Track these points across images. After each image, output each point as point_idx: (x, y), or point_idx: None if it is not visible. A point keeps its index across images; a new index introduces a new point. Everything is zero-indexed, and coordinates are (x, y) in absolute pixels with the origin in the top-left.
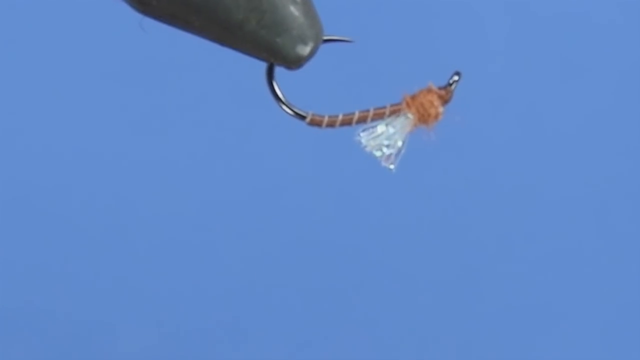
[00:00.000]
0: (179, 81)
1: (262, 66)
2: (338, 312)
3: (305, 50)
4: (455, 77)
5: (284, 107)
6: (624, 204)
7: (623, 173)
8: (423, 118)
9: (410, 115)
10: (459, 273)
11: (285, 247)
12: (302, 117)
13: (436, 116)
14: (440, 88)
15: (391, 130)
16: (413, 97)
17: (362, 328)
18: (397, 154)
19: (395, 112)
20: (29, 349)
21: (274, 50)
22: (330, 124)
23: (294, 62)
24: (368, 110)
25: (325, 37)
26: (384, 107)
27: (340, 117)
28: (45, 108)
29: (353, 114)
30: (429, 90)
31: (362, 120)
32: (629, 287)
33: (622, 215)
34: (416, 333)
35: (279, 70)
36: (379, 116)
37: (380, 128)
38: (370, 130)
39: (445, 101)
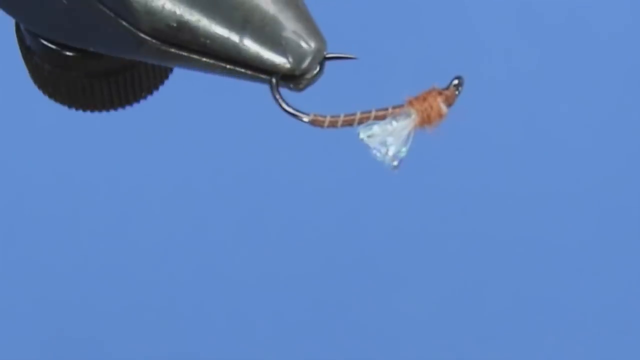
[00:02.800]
0: (181, 81)
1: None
2: (338, 315)
3: (304, 64)
4: (456, 82)
5: (285, 106)
6: (627, 208)
7: (626, 176)
8: (426, 119)
9: (413, 116)
10: (461, 275)
11: (285, 250)
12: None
13: (439, 116)
14: (443, 89)
15: (394, 129)
16: (416, 98)
17: (364, 330)
18: (399, 153)
19: (397, 113)
20: None
21: (275, 66)
22: (332, 124)
23: (297, 80)
24: (370, 111)
25: (328, 55)
26: (386, 108)
27: (342, 117)
28: (41, 108)
29: (355, 114)
30: (432, 91)
31: (364, 120)
32: (631, 290)
33: (625, 219)
34: (415, 336)
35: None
36: (381, 117)
37: (383, 126)
38: (374, 128)
39: (448, 103)
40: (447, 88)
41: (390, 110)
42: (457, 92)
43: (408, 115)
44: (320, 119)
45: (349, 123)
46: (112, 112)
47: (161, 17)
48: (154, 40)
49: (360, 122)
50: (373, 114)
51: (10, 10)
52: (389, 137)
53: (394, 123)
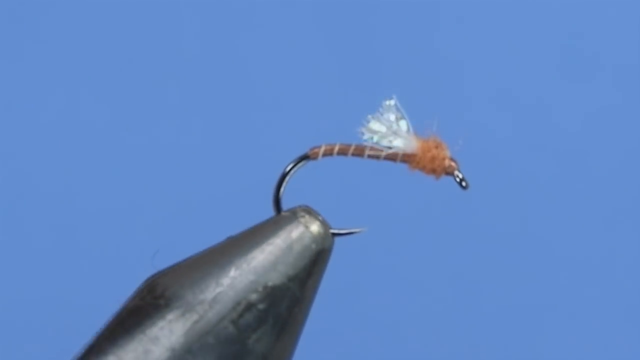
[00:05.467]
0: (181, 83)
1: (264, 65)
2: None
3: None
4: (461, 175)
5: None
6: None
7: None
8: (427, 157)
9: (418, 148)
10: (461, 279)
11: None
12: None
13: (439, 166)
14: (453, 158)
15: (391, 128)
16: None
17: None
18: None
19: (395, 157)
20: None
21: None
22: (328, 153)
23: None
24: (365, 146)
25: (335, 231)
26: (383, 149)
27: (337, 146)
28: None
29: (350, 145)
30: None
31: (358, 153)
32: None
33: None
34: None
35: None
36: (376, 155)
37: (387, 124)
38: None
39: (447, 171)
40: (455, 162)
41: (385, 150)
42: (457, 173)
43: (413, 146)
44: (316, 150)
45: (343, 152)
46: None
47: None
48: None
49: (354, 153)
50: (368, 148)
51: None
52: (382, 124)
53: (395, 132)
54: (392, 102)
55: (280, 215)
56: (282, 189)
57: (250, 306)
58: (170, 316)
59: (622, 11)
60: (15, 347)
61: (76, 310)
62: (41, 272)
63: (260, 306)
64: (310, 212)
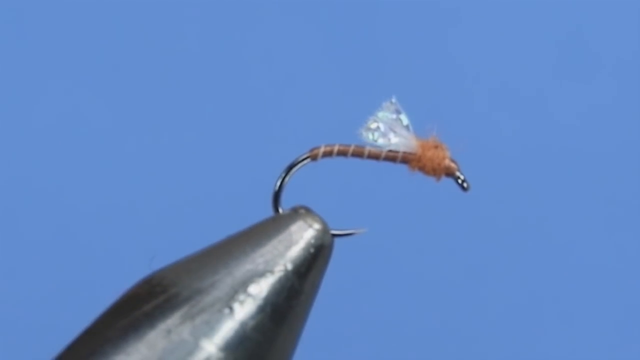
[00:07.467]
0: (184, 83)
1: (264, 65)
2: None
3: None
4: (462, 176)
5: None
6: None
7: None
8: (427, 157)
9: (418, 149)
10: (461, 279)
11: None
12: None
13: (439, 166)
14: (453, 159)
15: (391, 124)
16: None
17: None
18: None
19: (394, 157)
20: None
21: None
22: (327, 154)
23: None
24: (365, 147)
25: (335, 233)
26: (382, 149)
27: (337, 147)
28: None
29: (349, 145)
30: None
31: (357, 154)
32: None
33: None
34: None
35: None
36: (375, 155)
37: (388, 120)
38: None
39: (447, 172)
40: (455, 162)
41: (385, 152)
42: (458, 174)
43: (412, 146)
44: (316, 150)
45: (343, 153)
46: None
47: None
48: None
49: (354, 154)
50: (367, 150)
51: None
52: (381, 124)
53: (396, 128)
54: (392, 102)
55: (280, 214)
56: (281, 190)
57: (248, 294)
58: (166, 300)
59: (622, 8)
60: (10, 351)
61: (75, 312)
62: (40, 273)
63: (259, 295)
64: (309, 210)
